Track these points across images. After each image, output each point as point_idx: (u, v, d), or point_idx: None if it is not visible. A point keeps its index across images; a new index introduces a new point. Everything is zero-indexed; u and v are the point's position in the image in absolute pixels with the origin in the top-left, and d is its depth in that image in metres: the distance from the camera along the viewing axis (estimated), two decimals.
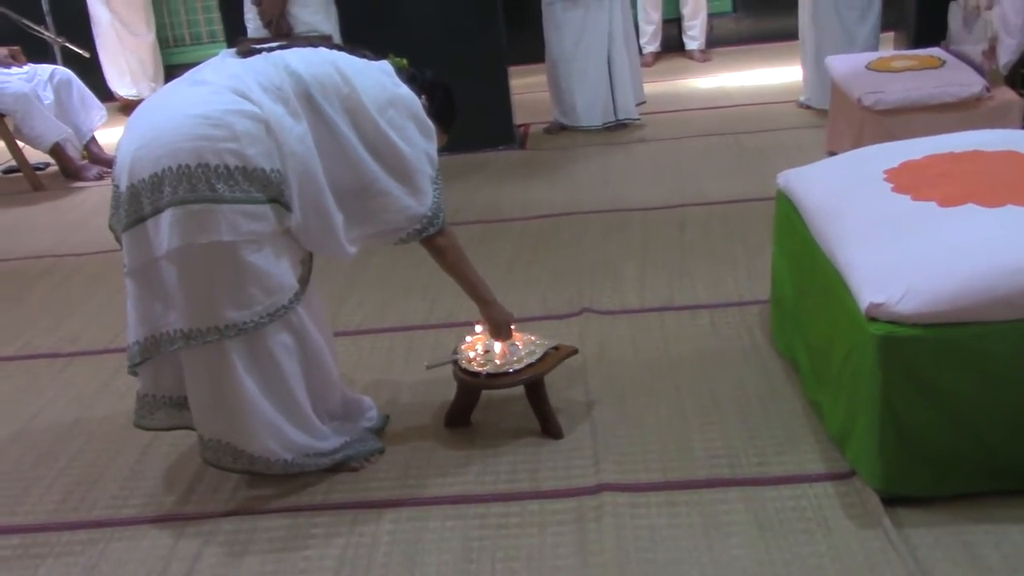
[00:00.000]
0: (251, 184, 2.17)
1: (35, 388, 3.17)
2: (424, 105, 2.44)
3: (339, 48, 2.42)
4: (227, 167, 2.14)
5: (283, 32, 4.74)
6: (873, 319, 2.11)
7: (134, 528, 2.39)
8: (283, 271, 2.27)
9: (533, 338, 2.66)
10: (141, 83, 7.21)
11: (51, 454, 2.76)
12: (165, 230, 2.15)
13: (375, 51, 2.48)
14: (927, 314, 2.06)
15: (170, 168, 2.13)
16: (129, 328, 2.31)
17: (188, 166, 2.13)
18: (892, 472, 2.17)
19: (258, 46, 2.36)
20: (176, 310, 2.22)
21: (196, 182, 2.13)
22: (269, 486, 2.48)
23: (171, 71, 7.13)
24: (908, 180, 2.50)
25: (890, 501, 2.18)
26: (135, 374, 2.40)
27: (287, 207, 2.23)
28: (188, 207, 2.13)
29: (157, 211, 2.15)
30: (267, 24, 4.78)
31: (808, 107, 5.58)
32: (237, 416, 2.31)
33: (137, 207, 2.18)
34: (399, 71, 2.44)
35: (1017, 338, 2.06)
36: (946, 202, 2.31)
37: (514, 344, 2.62)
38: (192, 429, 2.42)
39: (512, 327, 2.64)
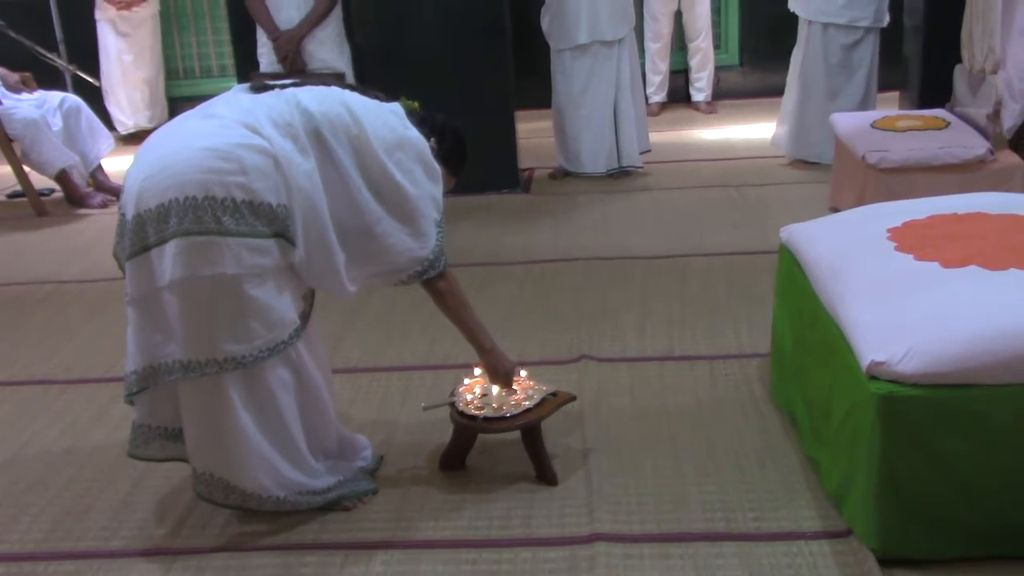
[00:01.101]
0: (257, 218, 2.17)
1: (28, 415, 3.16)
2: (433, 148, 2.45)
3: (351, 88, 2.43)
4: (234, 200, 2.15)
5: (297, 68, 4.79)
6: (874, 378, 2.11)
7: (122, 560, 2.37)
8: (284, 306, 2.27)
9: (531, 383, 2.65)
10: (140, 115, 7.25)
11: (41, 482, 2.74)
12: (169, 261, 2.15)
13: (386, 91, 2.49)
14: (928, 375, 2.06)
15: (177, 199, 2.14)
16: (128, 357, 2.30)
17: (195, 198, 2.14)
18: (889, 533, 2.15)
19: (271, 82, 2.38)
20: (176, 341, 2.21)
21: (202, 214, 2.13)
22: (260, 523, 2.45)
23: (179, 103, 7.18)
24: (911, 240, 2.50)
25: (886, 562, 2.16)
26: (132, 403, 2.38)
27: (291, 242, 2.23)
28: (193, 239, 2.13)
29: (162, 241, 2.16)
30: (282, 60, 4.82)
31: (803, 160, 5.60)
32: (232, 450, 2.29)
33: (142, 236, 2.18)
34: (410, 114, 2.45)
35: (1018, 402, 2.06)
36: (949, 263, 2.31)
37: (512, 389, 2.61)
38: (186, 461, 2.41)
39: (516, 375, 2.64)
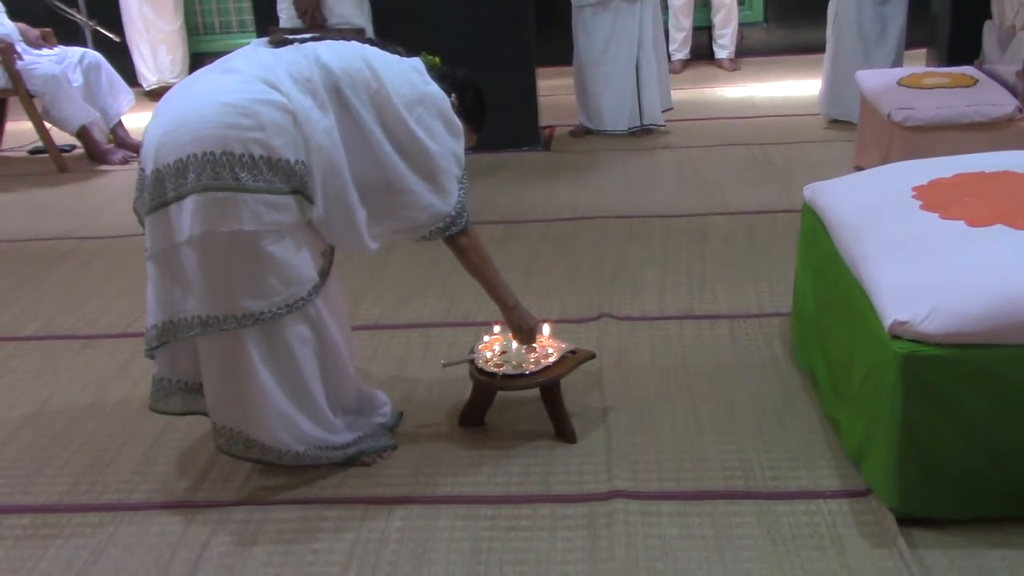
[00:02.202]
0: (275, 174, 2.16)
1: (52, 370, 3.18)
2: (453, 104, 2.42)
3: (372, 43, 2.41)
4: (252, 156, 2.14)
5: (317, 23, 4.76)
6: (896, 337, 2.09)
7: (144, 513, 2.39)
8: (303, 262, 2.26)
9: (553, 341, 2.65)
10: (166, 70, 7.23)
11: (65, 436, 2.76)
12: (187, 216, 2.15)
13: (406, 47, 2.47)
14: (951, 334, 2.04)
15: (195, 155, 2.13)
16: (148, 311, 2.31)
17: (213, 153, 2.13)
18: (909, 492, 2.14)
19: (291, 37, 2.36)
20: (195, 296, 2.22)
21: (220, 170, 2.13)
22: (281, 477, 2.47)
23: (199, 59, 7.15)
24: (937, 198, 2.47)
25: (905, 521, 2.15)
26: (152, 357, 2.39)
27: (310, 199, 2.22)
28: (211, 194, 2.13)
29: (180, 197, 2.15)
30: (302, 14, 4.80)
31: (835, 120, 5.53)
32: (250, 405, 2.31)
33: (161, 191, 2.18)
34: (431, 69, 2.43)
35: None
36: (975, 222, 2.28)
37: (534, 346, 2.60)
38: (206, 415, 2.42)
39: (540, 333, 2.63)
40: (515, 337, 2.62)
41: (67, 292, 3.84)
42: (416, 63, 2.41)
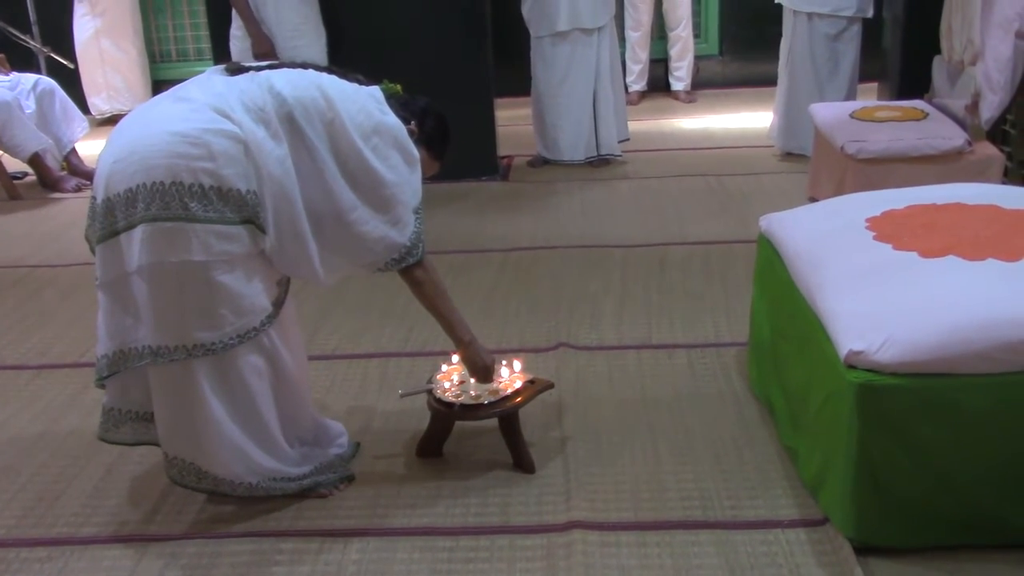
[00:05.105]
0: (225, 204, 2.14)
1: (0, 400, 3.11)
2: (412, 131, 2.42)
3: (330, 71, 2.39)
4: (201, 186, 2.12)
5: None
6: (852, 367, 2.11)
7: (95, 547, 2.34)
8: (255, 293, 2.24)
9: (518, 373, 2.64)
10: (125, 98, 7.16)
11: (13, 468, 2.70)
12: (137, 246, 2.13)
13: (365, 77, 2.46)
14: (906, 364, 2.06)
15: (144, 184, 2.11)
16: (99, 341, 2.28)
17: (162, 183, 2.11)
18: (865, 521, 2.16)
19: (247, 64, 2.34)
20: (145, 326, 2.19)
21: (169, 200, 2.11)
22: (235, 509, 2.43)
23: (156, 86, 7.10)
24: (890, 229, 2.51)
25: (862, 550, 2.17)
26: (102, 387, 2.36)
27: (262, 229, 2.20)
28: (160, 224, 2.11)
29: (130, 226, 2.13)
30: (259, 58, 4.79)
31: (788, 153, 5.60)
32: (202, 437, 2.28)
33: (111, 220, 2.16)
34: (390, 97, 2.42)
35: (994, 391, 2.07)
36: (928, 253, 2.32)
37: (492, 383, 2.59)
38: (157, 445, 2.38)
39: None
40: (471, 375, 2.60)
41: (18, 321, 3.77)
42: (374, 91, 2.40)
